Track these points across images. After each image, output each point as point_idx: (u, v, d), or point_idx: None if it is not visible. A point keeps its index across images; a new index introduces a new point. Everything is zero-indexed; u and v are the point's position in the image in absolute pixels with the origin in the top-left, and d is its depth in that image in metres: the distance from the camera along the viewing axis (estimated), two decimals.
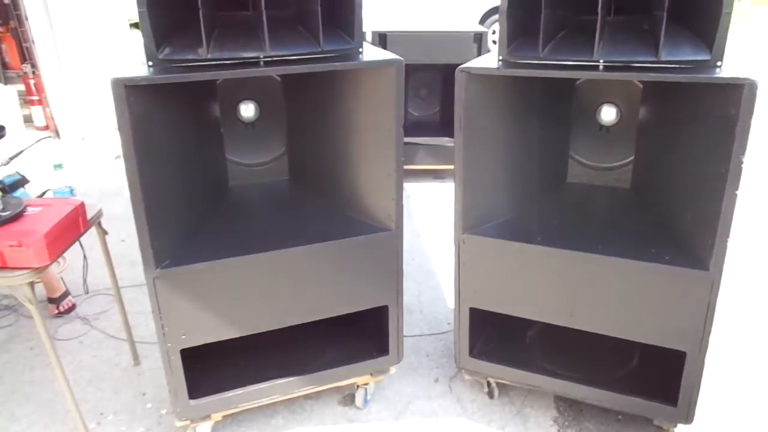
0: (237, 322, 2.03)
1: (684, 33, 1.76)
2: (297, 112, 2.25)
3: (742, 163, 1.68)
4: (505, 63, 1.93)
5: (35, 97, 6.05)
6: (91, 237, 2.37)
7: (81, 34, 5.69)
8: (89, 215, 2.26)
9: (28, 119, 6.17)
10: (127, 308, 2.63)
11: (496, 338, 2.41)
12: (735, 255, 1.85)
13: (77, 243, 2.25)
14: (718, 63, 1.72)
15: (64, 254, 2.13)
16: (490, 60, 2.01)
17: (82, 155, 5.51)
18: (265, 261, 1.98)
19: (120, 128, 1.65)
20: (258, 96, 2.24)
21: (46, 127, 6.12)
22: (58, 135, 5.97)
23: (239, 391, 2.15)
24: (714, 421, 2.28)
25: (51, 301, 3.02)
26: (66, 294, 3.06)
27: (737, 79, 1.63)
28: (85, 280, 3.00)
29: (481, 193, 2.09)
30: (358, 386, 2.39)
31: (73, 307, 3.07)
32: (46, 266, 1.96)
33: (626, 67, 1.78)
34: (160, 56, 1.71)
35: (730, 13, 1.66)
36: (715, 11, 1.66)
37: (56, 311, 3.01)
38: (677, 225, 1.98)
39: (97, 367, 2.65)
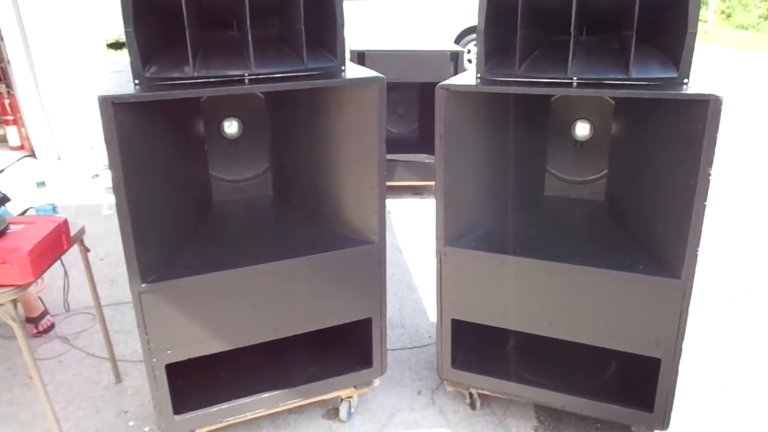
0: (223, 336, 2.05)
1: (652, 52, 1.85)
2: (280, 128, 2.29)
3: (709, 175, 1.76)
4: (483, 80, 1.99)
5: (10, 117, 5.99)
6: (69, 255, 2.36)
7: (57, 54, 5.68)
8: (72, 233, 2.26)
9: (2, 139, 6.11)
10: (107, 327, 2.61)
11: (477, 349, 2.45)
12: (705, 263, 1.92)
13: (57, 261, 2.24)
14: (685, 80, 1.80)
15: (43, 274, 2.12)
16: (468, 77, 2.08)
17: (59, 174, 5.47)
18: (249, 275, 2.00)
19: (107, 144, 1.68)
20: (241, 113, 2.27)
21: (21, 147, 6.07)
22: (34, 155, 5.91)
23: (224, 406, 2.16)
24: (689, 426, 2.34)
25: (29, 320, 2.98)
26: (44, 313, 3.03)
27: (703, 95, 1.71)
28: (65, 299, 2.98)
29: (462, 206, 2.15)
30: (341, 399, 2.41)
31: (51, 327, 3.04)
32: (30, 283, 1.96)
33: (599, 84, 1.87)
34: (147, 74, 1.74)
35: (695, 34, 1.75)
36: (681, 32, 1.75)
37: (35, 331, 2.98)
38: (650, 235, 2.05)
39: (78, 386, 2.62)
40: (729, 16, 15.80)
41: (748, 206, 4.59)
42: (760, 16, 15.35)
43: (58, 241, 2.15)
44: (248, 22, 1.75)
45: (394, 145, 4.70)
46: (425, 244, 3.94)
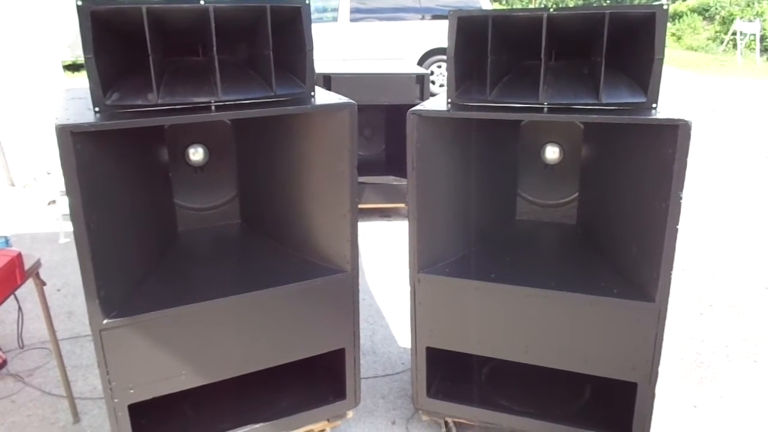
0: (189, 373, 1.96)
1: (621, 77, 1.86)
2: (248, 155, 2.24)
3: (680, 199, 1.77)
4: (454, 105, 1.98)
5: None
6: (24, 287, 2.24)
7: (10, 76, 5.49)
8: (27, 266, 2.14)
9: None
10: (64, 362, 2.48)
11: (452, 377, 2.40)
12: (672, 281, 1.93)
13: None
14: (654, 105, 1.82)
15: None
16: (439, 102, 2.06)
17: (13, 201, 5.26)
18: (217, 308, 1.92)
19: (65, 175, 1.59)
20: (207, 139, 2.21)
21: None
22: None
23: None
24: None
25: None
26: None
27: (673, 120, 1.72)
28: (19, 334, 2.83)
29: (434, 232, 2.11)
30: None
31: (4, 364, 2.88)
32: None
33: (569, 109, 1.87)
34: (108, 102, 1.67)
35: (662, 59, 1.77)
36: (648, 57, 1.77)
37: None
38: (623, 259, 2.05)
39: (33, 427, 2.48)
40: (679, 38, 16.36)
41: (709, 223, 4.69)
42: (708, 38, 15.93)
43: (11, 276, 2.04)
44: (215, 47, 1.70)
45: (362, 167, 4.59)
46: (394, 267, 3.90)
